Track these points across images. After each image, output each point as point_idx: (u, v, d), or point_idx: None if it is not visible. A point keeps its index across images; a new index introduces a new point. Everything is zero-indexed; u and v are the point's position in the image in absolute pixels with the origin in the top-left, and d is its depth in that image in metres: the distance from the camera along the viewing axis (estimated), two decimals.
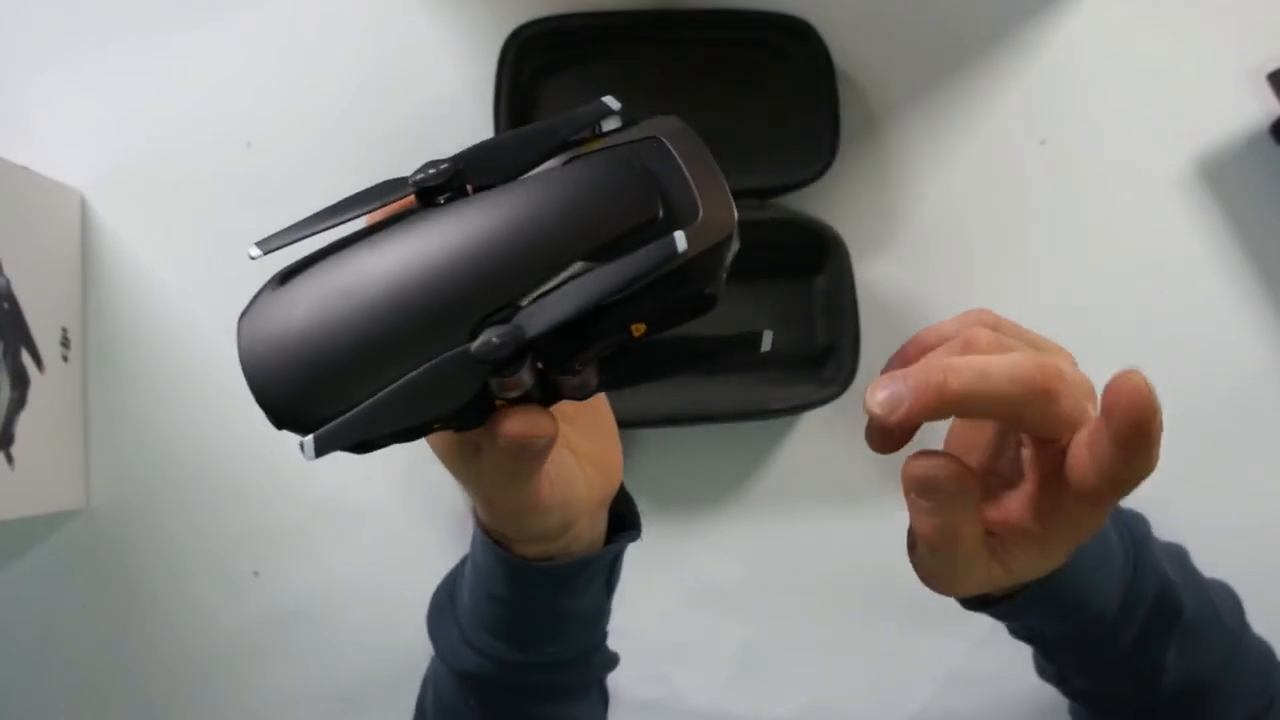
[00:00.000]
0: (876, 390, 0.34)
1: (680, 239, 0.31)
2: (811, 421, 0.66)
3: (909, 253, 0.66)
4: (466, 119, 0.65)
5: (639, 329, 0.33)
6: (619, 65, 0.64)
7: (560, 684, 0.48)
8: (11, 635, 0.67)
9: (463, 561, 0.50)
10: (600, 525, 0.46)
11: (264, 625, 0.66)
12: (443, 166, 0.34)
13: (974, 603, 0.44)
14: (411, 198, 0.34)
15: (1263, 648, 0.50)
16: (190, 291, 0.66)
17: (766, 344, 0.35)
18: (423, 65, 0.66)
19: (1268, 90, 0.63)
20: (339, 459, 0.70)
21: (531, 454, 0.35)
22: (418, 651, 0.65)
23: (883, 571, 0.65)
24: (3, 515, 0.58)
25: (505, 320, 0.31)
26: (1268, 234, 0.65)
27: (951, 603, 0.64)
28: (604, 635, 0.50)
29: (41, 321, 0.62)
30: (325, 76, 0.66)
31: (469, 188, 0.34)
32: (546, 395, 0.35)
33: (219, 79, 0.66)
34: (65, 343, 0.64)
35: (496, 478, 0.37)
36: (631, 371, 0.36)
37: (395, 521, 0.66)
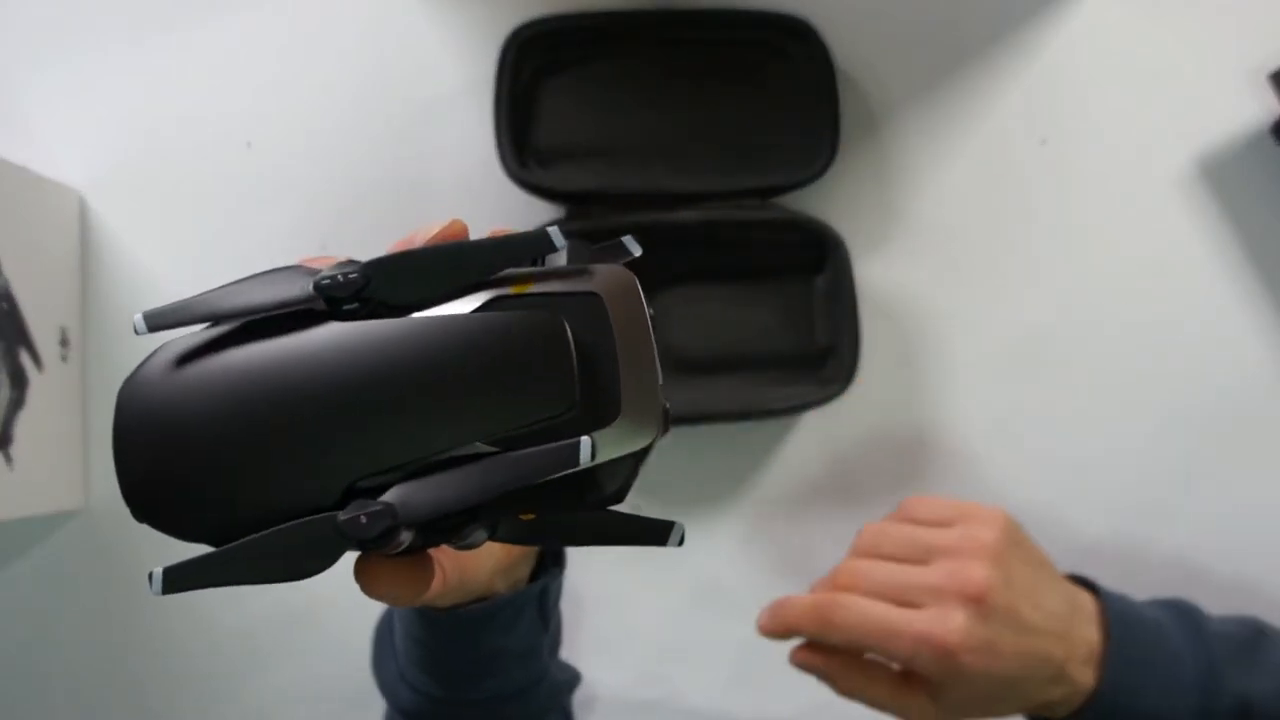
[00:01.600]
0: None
1: (586, 449, 0.28)
2: (811, 421, 0.66)
3: (909, 253, 0.66)
4: (466, 119, 0.65)
5: (527, 516, 0.30)
6: (619, 65, 0.64)
7: (504, 718, 0.47)
8: (11, 635, 0.67)
9: None
10: (524, 569, 0.45)
11: (264, 625, 0.66)
12: (352, 275, 0.30)
13: None
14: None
15: None
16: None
17: (676, 539, 0.31)
18: (423, 65, 0.66)
19: (1268, 90, 0.63)
20: None
21: (402, 604, 0.34)
22: None
23: None
24: (2, 515, 0.58)
25: (382, 488, 0.29)
26: (1268, 234, 0.65)
27: None
28: (544, 669, 0.49)
29: (41, 321, 0.62)
30: (325, 76, 0.66)
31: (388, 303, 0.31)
32: (428, 541, 0.31)
33: (219, 79, 0.66)
34: (64, 343, 0.64)
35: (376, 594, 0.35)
36: (524, 536, 0.32)
37: None
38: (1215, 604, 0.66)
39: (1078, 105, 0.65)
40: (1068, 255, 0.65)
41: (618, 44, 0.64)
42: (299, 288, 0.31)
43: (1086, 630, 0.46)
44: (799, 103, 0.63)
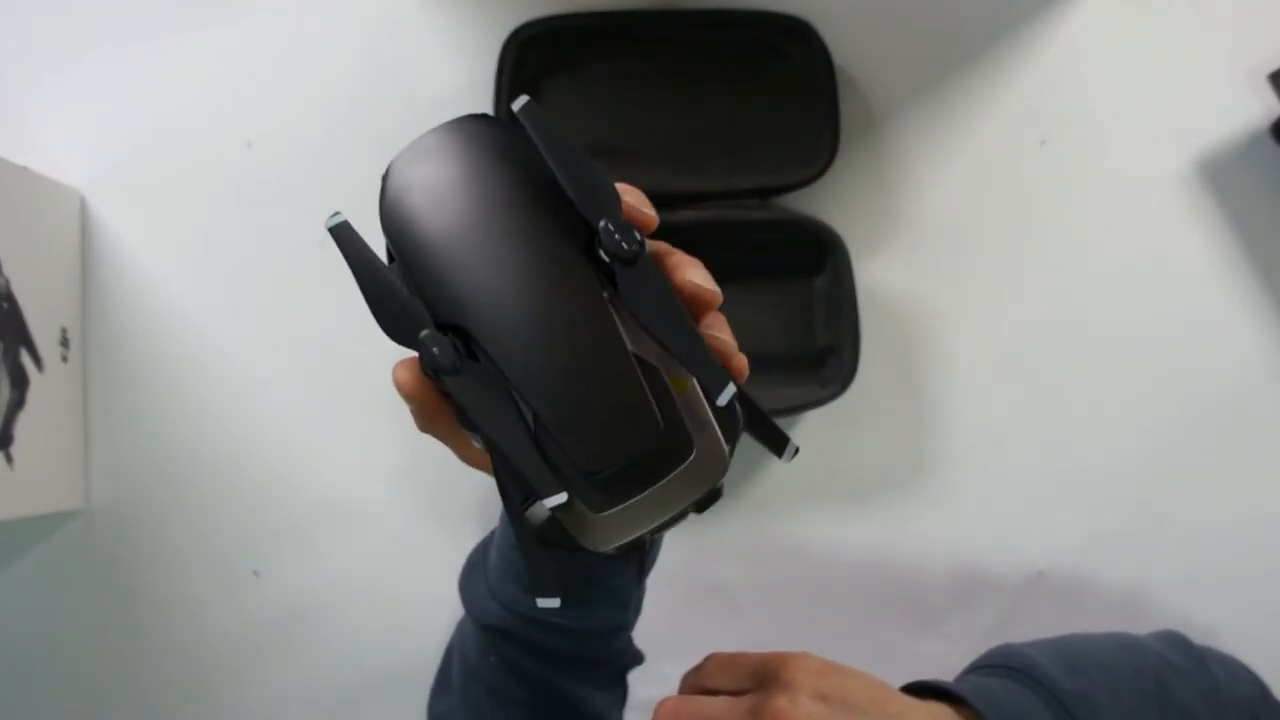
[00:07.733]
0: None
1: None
2: (811, 421, 0.66)
3: (909, 253, 0.66)
4: None
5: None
6: (619, 65, 0.64)
7: (579, 657, 0.49)
8: (11, 635, 0.67)
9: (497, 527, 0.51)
10: None
11: (264, 625, 0.66)
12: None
13: None
14: None
15: None
16: (190, 291, 0.66)
17: (789, 454, 0.40)
18: (423, 65, 0.66)
19: (1268, 90, 0.63)
20: (339, 460, 0.70)
21: None
22: (417, 651, 0.65)
23: (883, 571, 0.65)
24: (3, 515, 0.58)
25: None
26: (1268, 234, 0.65)
27: (951, 603, 0.64)
28: (626, 621, 0.51)
29: (41, 321, 0.62)
30: (325, 76, 0.66)
31: None
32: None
33: (219, 79, 0.66)
34: (65, 343, 0.64)
35: None
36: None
37: (395, 522, 0.66)
38: (1219, 601, 0.66)
39: (1077, 105, 0.65)
40: (1067, 255, 0.65)
41: (618, 44, 0.64)
42: None
43: None
44: (799, 103, 0.63)
